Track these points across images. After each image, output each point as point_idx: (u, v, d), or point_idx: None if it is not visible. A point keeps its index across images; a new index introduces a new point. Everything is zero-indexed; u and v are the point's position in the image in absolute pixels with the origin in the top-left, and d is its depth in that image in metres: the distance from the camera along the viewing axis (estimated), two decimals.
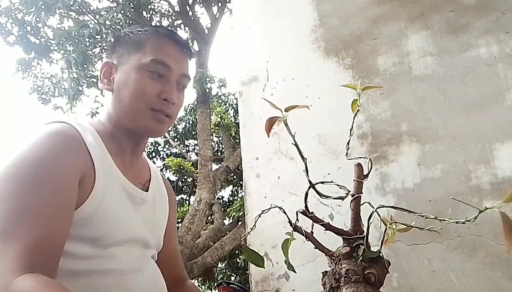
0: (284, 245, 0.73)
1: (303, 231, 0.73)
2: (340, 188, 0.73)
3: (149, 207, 1.00)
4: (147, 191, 1.00)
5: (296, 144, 0.69)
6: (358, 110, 0.78)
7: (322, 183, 0.73)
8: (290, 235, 0.72)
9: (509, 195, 0.61)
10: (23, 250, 0.71)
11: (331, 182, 0.73)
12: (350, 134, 0.77)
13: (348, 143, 0.74)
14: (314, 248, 0.74)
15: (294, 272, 0.75)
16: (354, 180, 0.74)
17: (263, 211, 0.73)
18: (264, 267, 0.76)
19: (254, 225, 0.76)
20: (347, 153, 0.75)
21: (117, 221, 0.87)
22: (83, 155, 0.84)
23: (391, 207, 0.75)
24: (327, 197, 0.71)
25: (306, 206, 0.72)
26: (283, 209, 0.73)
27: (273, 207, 0.73)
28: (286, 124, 0.69)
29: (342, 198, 0.72)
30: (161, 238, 1.04)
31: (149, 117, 0.93)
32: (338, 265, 0.71)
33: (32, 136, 0.82)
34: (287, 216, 0.73)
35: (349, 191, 0.72)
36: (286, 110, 0.69)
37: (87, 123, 0.94)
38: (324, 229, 0.73)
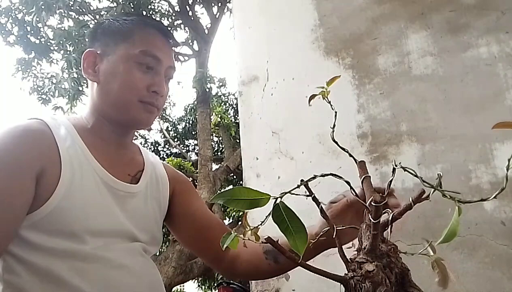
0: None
1: (319, 202, 0.70)
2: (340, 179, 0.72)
3: (139, 199, 0.97)
4: (137, 182, 0.98)
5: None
6: (332, 106, 0.77)
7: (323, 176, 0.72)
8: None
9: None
10: None
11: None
12: (332, 126, 0.77)
13: (334, 125, 0.74)
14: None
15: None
16: (365, 176, 0.73)
17: (311, 177, 0.70)
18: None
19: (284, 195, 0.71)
20: (333, 136, 0.75)
21: (91, 211, 0.85)
22: (45, 149, 0.83)
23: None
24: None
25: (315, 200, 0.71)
26: (311, 190, 0.69)
27: (312, 180, 0.70)
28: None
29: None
30: (155, 231, 1.01)
31: (139, 109, 0.93)
32: (398, 259, 0.66)
33: None
34: (315, 201, 0.70)
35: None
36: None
37: (65, 118, 0.93)
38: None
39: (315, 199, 0.68)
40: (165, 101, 0.99)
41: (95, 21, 6.71)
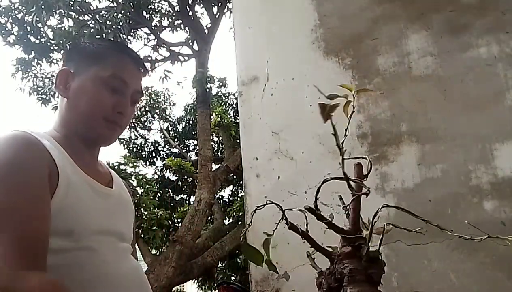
0: (265, 244, 0.74)
1: (300, 230, 0.73)
2: (365, 189, 0.73)
3: (117, 203, 1.04)
4: (112, 188, 1.05)
5: (335, 134, 0.69)
6: (353, 111, 0.78)
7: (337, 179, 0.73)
8: (268, 235, 0.73)
9: None
10: (16, 247, 0.76)
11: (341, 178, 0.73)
12: (345, 135, 0.77)
13: (342, 143, 0.74)
14: (310, 247, 0.74)
15: (276, 272, 0.75)
16: (354, 179, 0.74)
17: (257, 207, 0.74)
18: (262, 266, 0.77)
19: (251, 222, 0.76)
20: (341, 153, 0.75)
21: (86, 211, 0.91)
22: (46, 155, 0.88)
23: (394, 207, 0.74)
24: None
25: (316, 203, 0.72)
26: (280, 206, 0.73)
27: (269, 203, 0.74)
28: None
29: (366, 194, 0.72)
30: (132, 234, 1.08)
31: (102, 127, 0.99)
32: (340, 264, 0.71)
33: None
34: (284, 216, 0.73)
35: (369, 189, 0.72)
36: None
37: (40, 131, 0.98)
38: (326, 227, 0.73)
39: (292, 227, 0.71)
40: (128, 121, 1.07)
41: (95, 21, 6.70)
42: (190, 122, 11.25)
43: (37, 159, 0.86)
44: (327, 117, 0.69)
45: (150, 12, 7.82)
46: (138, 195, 6.35)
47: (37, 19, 6.27)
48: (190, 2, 7.44)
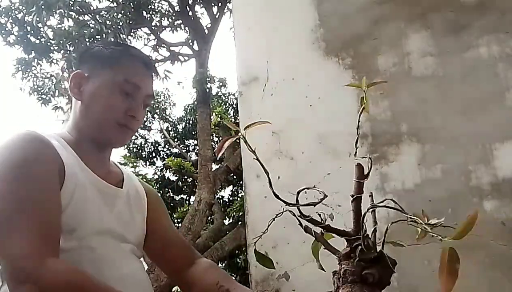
0: (314, 248, 0.77)
1: (313, 232, 0.74)
2: (320, 193, 0.74)
3: (124, 203, 1.05)
4: (121, 188, 1.07)
5: (258, 159, 0.71)
6: (363, 108, 0.78)
7: (308, 188, 0.74)
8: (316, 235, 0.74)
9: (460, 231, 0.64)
10: (38, 235, 0.81)
11: (313, 187, 0.74)
12: (358, 133, 0.77)
13: (356, 142, 0.74)
14: (324, 248, 0.75)
15: (323, 270, 0.76)
16: (354, 181, 0.74)
17: (277, 215, 0.75)
18: (274, 268, 0.78)
19: (267, 229, 0.77)
20: (355, 152, 0.75)
21: (89, 212, 0.93)
22: (55, 154, 0.92)
23: (385, 206, 0.74)
24: (305, 216, 0.73)
25: (300, 212, 0.73)
26: (292, 212, 0.74)
27: (285, 211, 0.74)
28: (246, 142, 0.71)
29: (314, 204, 0.73)
30: (140, 234, 1.09)
31: (115, 130, 1.02)
32: (340, 265, 0.72)
33: (8, 142, 0.89)
34: (298, 220, 0.73)
35: (325, 196, 0.73)
36: (245, 128, 0.71)
37: (50, 132, 1.01)
38: (324, 230, 0.73)
39: (308, 231, 0.75)
40: (140, 124, 1.10)
41: (96, 21, 6.68)
42: (190, 122, 11.23)
43: (47, 156, 0.90)
44: (219, 152, 0.77)
45: (150, 12, 7.81)
46: None
47: (37, 19, 6.26)
48: (190, 2, 7.44)
